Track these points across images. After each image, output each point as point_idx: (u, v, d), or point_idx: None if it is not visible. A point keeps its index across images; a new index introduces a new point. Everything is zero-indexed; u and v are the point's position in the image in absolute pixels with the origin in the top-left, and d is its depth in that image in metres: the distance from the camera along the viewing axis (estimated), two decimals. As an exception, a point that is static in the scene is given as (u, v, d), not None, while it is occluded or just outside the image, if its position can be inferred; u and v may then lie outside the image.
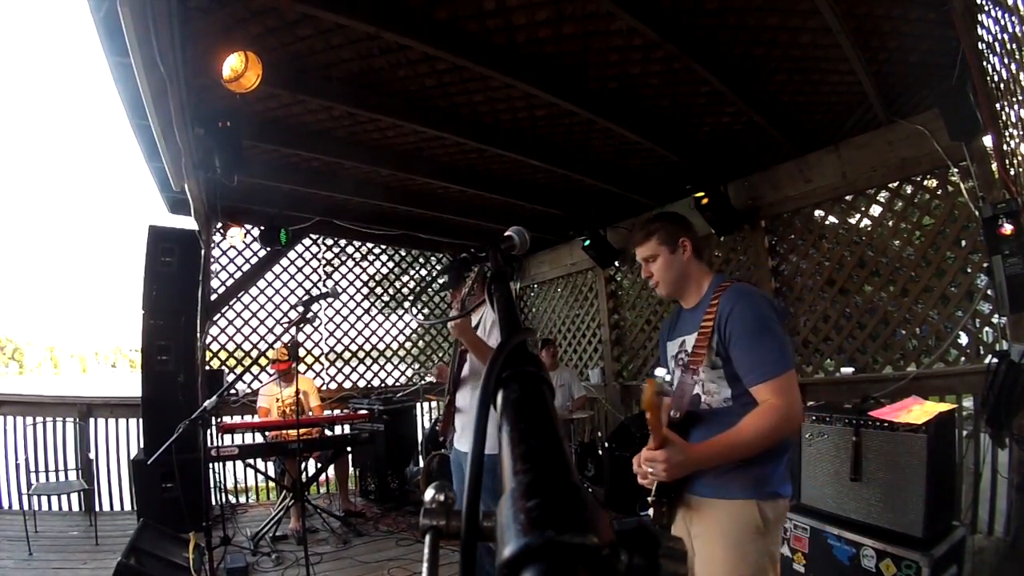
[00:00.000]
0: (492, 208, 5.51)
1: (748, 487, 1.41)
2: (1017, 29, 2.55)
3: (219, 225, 4.90)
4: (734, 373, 1.46)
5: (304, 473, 4.03)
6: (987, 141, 3.07)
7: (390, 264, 6.82)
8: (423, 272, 7.00)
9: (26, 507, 3.89)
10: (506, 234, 1.04)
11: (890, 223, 3.86)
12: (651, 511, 1.59)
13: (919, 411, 2.46)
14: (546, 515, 0.26)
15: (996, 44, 2.77)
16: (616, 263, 5.80)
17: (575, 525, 0.26)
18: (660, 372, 1.48)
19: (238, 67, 2.66)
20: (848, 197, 4.05)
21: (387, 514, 4.65)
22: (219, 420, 4.05)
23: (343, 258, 6.35)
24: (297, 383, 3.27)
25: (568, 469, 0.32)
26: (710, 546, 1.44)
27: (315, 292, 5.96)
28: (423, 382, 6.19)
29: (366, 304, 6.53)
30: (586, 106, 3.50)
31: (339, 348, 6.29)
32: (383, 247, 6.65)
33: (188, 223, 4.63)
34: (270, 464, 4.59)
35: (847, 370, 4.03)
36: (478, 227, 5.96)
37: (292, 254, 5.94)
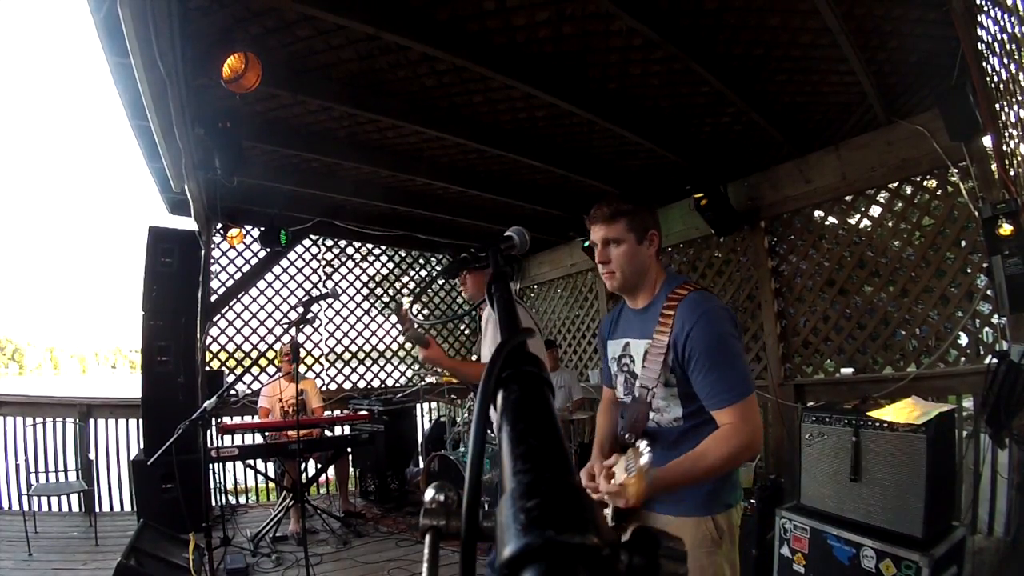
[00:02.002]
0: (492, 208, 5.51)
1: (701, 504, 1.38)
2: (1017, 29, 2.56)
3: (219, 226, 4.91)
4: (689, 392, 1.38)
5: (304, 474, 4.03)
6: (987, 141, 3.07)
7: (390, 265, 6.82)
8: (423, 272, 7.01)
9: (26, 508, 3.89)
10: (506, 234, 1.04)
11: (890, 223, 3.86)
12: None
13: (897, 411, 2.46)
14: (546, 515, 0.26)
15: (996, 44, 2.77)
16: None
17: (575, 525, 0.26)
18: (645, 454, 1.26)
19: (238, 67, 2.66)
20: (848, 197, 4.05)
21: (387, 515, 4.65)
22: (219, 421, 4.05)
23: (343, 259, 6.35)
24: (298, 383, 3.26)
25: (568, 469, 0.32)
26: None
27: (315, 293, 5.96)
28: (423, 383, 6.19)
29: (366, 305, 6.53)
30: (586, 106, 3.50)
31: (339, 349, 6.29)
32: (383, 248, 6.65)
33: (188, 224, 4.63)
34: (270, 465, 4.59)
35: (847, 370, 4.03)
36: (478, 227, 5.96)
37: (292, 255, 5.94)
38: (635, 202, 1.50)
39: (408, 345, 6.92)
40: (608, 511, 1.46)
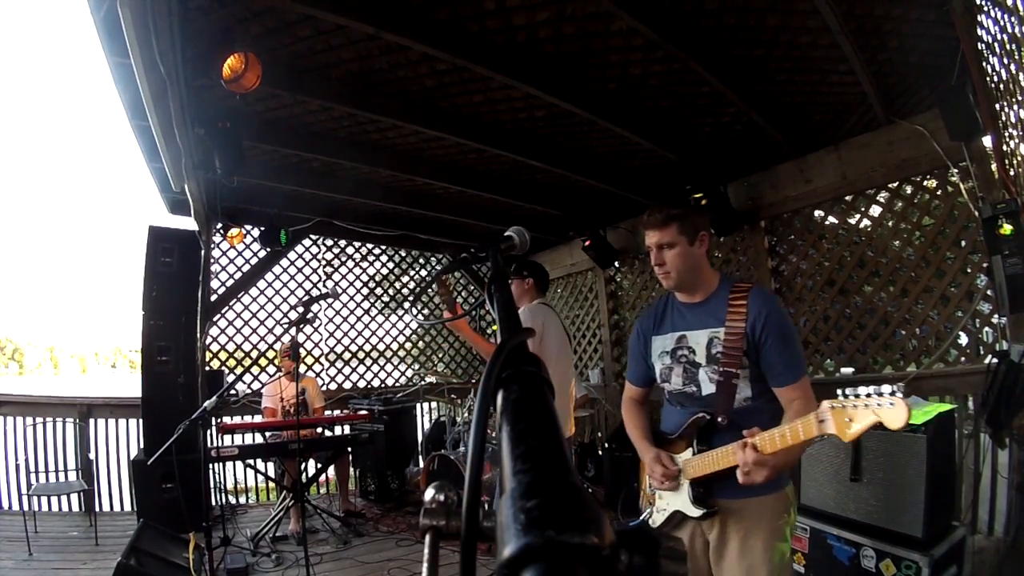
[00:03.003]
0: (492, 208, 5.51)
1: (778, 479, 1.48)
2: (1017, 29, 2.56)
3: (219, 225, 4.91)
4: (758, 373, 1.52)
5: (304, 473, 4.02)
6: (987, 141, 3.07)
7: (390, 265, 6.82)
8: (423, 272, 7.01)
9: (26, 507, 3.89)
10: (506, 234, 1.04)
11: (890, 223, 3.86)
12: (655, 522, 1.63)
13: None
14: (546, 515, 0.26)
15: (996, 44, 2.78)
16: (616, 263, 5.80)
17: (575, 525, 0.26)
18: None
19: (238, 67, 2.66)
20: (848, 197, 4.05)
21: (387, 514, 4.65)
22: (219, 420, 4.05)
23: (343, 259, 6.35)
24: (298, 382, 3.26)
25: (568, 469, 0.32)
26: (753, 537, 1.51)
27: (315, 292, 5.96)
28: (423, 382, 6.20)
29: (366, 304, 6.53)
30: (586, 106, 3.50)
31: (339, 348, 6.29)
32: (383, 248, 6.65)
33: (188, 223, 4.63)
34: (270, 464, 4.59)
35: (847, 370, 4.03)
36: (478, 227, 5.97)
37: (292, 254, 5.94)
38: (686, 207, 1.64)
39: (408, 345, 6.92)
40: (684, 502, 1.56)
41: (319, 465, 4.29)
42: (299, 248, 5.97)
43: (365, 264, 6.54)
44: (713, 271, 1.66)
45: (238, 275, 5.59)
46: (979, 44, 2.78)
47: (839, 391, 1.28)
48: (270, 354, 5.73)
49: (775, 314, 1.52)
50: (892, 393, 1.19)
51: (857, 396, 1.23)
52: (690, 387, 1.62)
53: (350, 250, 6.39)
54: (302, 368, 4.38)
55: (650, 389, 1.83)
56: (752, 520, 1.51)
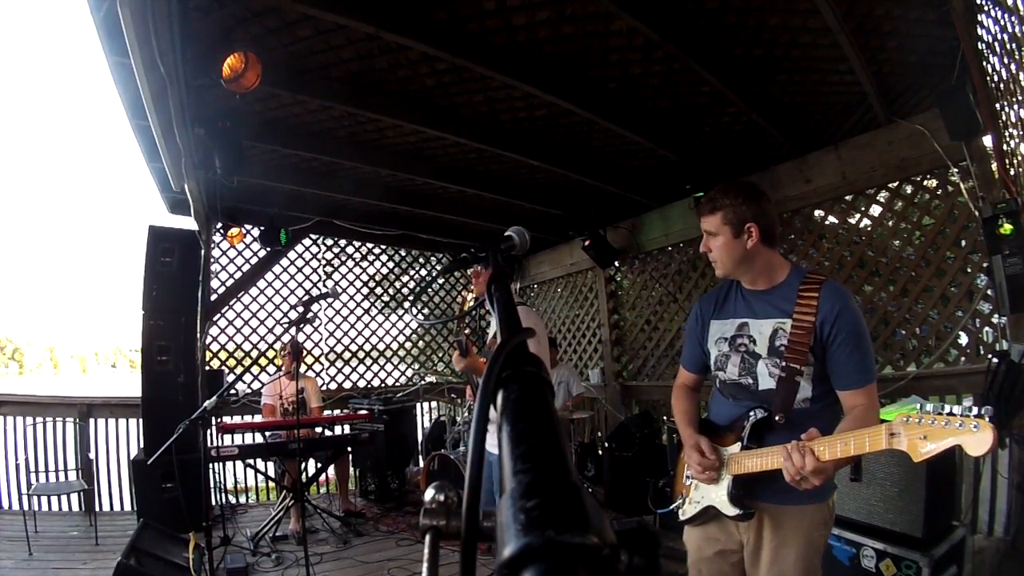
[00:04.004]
0: (492, 208, 5.51)
1: (823, 490, 1.40)
2: (1017, 29, 2.56)
3: (219, 225, 4.91)
4: (822, 373, 1.42)
5: (304, 473, 4.02)
6: (987, 141, 3.07)
7: (390, 264, 6.83)
8: (423, 272, 7.01)
9: (26, 507, 3.89)
10: (506, 234, 1.04)
11: (890, 223, 3.86)
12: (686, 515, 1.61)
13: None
14: (546, 515, 0.26)
15: (996, 44, 2.78)
16: (616, 263, 5.80)
17: (575, 525, 0.26)
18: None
19: (238, 67, 2.66)
20: (848, 197, 4.05)
21: (387, 514, 4.65)
22: (219, 420, 4.05)
23: (343, 258, 6.35)
24: (297, 381, 3.26)
25: (568, 469, 0.32)
26: (786, 548, 1.44)
27: (315, 292, 5.97)
28: (423, 382, 6.20)
29: (366, 304, 6.53)
30: (586, 106, 3.50)
31: (339, 348, 6.29)
32: (383, 247, 6.65)
33: (188, 223, 4.63)
34: (270, 464, 4.59)
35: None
36: (478, 227, 5.96)
37: (292, 254, 5.94)
38: (737, 194, 1.50)
39: (408, 344, 6.92)
40: (721, 498, 1.49)
41: (319, 465, 4.29)
42: (299, 248, 5.98)
43: (365, 264, 6.55)
44: (782, 260, 1.54)
45: (238, 275, 5.59)
46: (979, 44, 2.78)
47: (918, 406, 1.17)
48: (270, 354, 5.73)
49: (849, 311, 1.40)
50: (979, 415, 1.07)
51: (939, 413, 1.13)
52: (746, 379, 1.52)
53: (350, 250, 6.39)
54: (301, 368, 4.38)
55: (704, 376, 1.72)
56: (790, 528, 1.44)
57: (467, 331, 2.82)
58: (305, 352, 5.68)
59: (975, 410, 1.08)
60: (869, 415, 1.35)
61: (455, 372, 6.75)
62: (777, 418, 1.43)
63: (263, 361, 5.72)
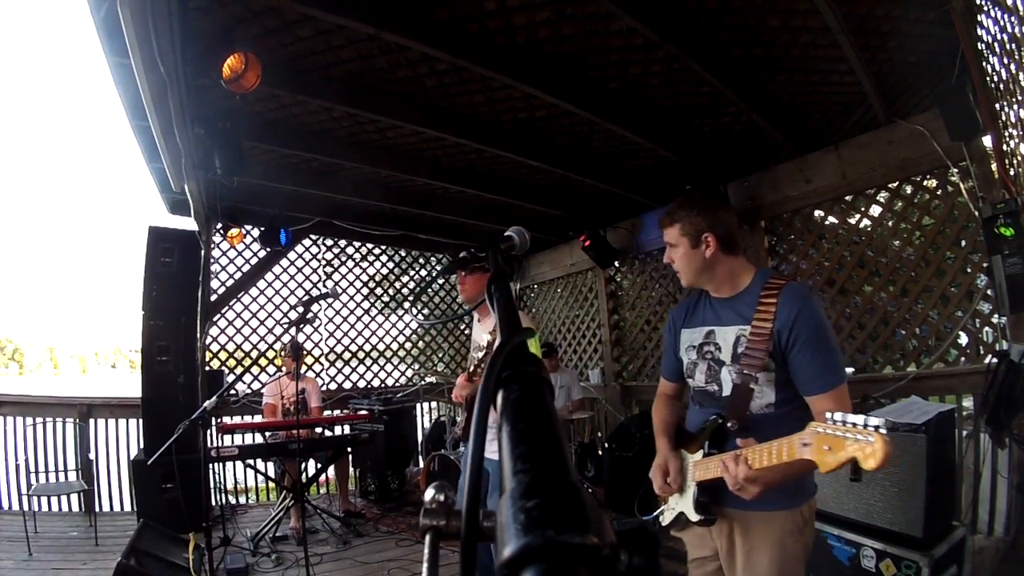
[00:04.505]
0: (492, 208, 5.51)
1: (790, 496, 1.41)
2: (1017, 29, 2.56)
3: (219, 225, 4.91)
4: (784, 378, 1.41)
5: (304, 473, 4.03)
6: (987, 141, 3.07)
7: (390, 264, 6.83)
8: (423, 272, 7.01)
9: (26, 508, 3.89)
10: (506, 234, 1.04)
11: (890, 223, 3.86)
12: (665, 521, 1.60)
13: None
14: (546, 515, 0.26)
15: (996, 44, 2.78)
16: (616, 263, 5.80)
17: (575, 525, 0.26)
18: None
19: (238, 67, 2.66)
20: (848, 197, 4.05)
21: (387, 514, 4.65)
22: (219, 420, 4.05)
23: (343, 258, 6.35)
24: (298, 381, 3.26)
25: (568, 469, 0.32)
26: (756, 554, 1.44)
27: (315, 292, 5.97)
28: (423, 382, 6.20)
29: (366, 304, 6.53)
30: (586, 106, 3.50)
31: (339, 348, 6.30)
32: (383, 247, 6.65)
33: (188, 223, 4.63)
34: (270, 464, 4.59)
35: (847, 370, 4.02)
36: (478, 227, 5.96)
37: (292, 254, 5.94)
38: (693, 206, 1.54)
39: (408, 344, 6.92)
40: (687, 505, 1.49)
41: (319, 465, 4.29)
42: (299, 248, 5.98)
43: (365, 264, 6.55)
44: (745, 264, 1.56)
45: (238, 275, 5.59)
46: (979, 44, 2.78)
47: (829, 414, 1.11)
48: (270, 354, 5.73)
49: (807, 314, 1.38)
50: (876, 428, 1.02)
51: (843, 423, 1.07)
52: (712, 386, 1.54)
53: (350, 250, 6.39)
54: (302, 368, 4.38)
55: (682, 384, 1.72)
56: (760, 535, 1.43)
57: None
58: (305, 352, 5.69)
59: (874, 422, 1.03)
60: None
61: (455, 372, 6.75)
62: (729, 424, 1.45)
63: (263, 361, 5.72)
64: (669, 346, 1.72)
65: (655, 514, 1.69)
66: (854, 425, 1.06)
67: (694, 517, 1.49)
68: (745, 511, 1.43)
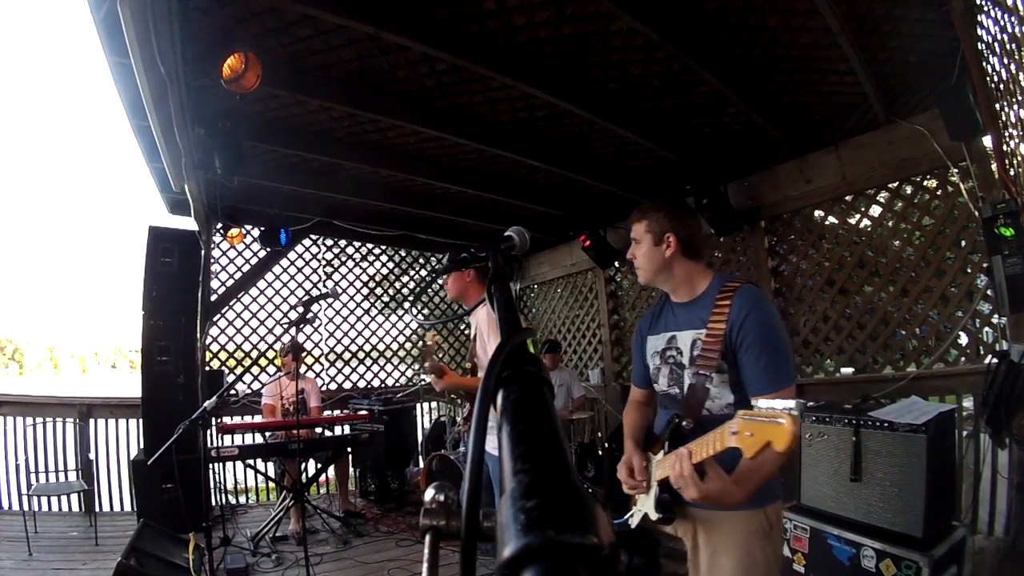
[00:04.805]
0: (492, 208, 5.51)
1: (754, 497, 1.39)
2: (1017, 29, 2.56)
3: (219, 225, 4.91)
4: (738, 379, 1.44)
5: (304, 474, 4.03)
6: (987, 141, 3.07)
7: (390, 265, 6.83)
8: (423, 272, 7.01)
9: (26, 508, 3.89)
10: (506, 234, 1.04)
11: (890, 223, 3.86)
12: (632, 523, 1.59)
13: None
14: (546, 515, 0.26)
15: (996, 44, 2.78)
16: (616, 263, 5.80)
17: (575, 525, 0.26)
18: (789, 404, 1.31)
19: (238, 67, 2.66)
20: (848, 197, 4.05)
21: (387, 515, 4.65)
22: (219, 421, 4.05)
23: (343, 258, 6.35)
24: (297, 381, 3.26)
25: (568, 469, 0.32)
26: (721, 557, 1.43)
27: (315, 292, 5.97)
28: (423, 382, 6.19)
29: (366, 304, 6.53)
30: (586, 106, 3.50)
31: (339, 348, 6.29)
32: (383, 248, 6.65)
33: (188, 223, 4.63)
34: (270, 465, 4.59)
35: (847, 370, 4.03)
36: (478, 227, 5.97)
37: (292, 254, 5.95)
38: (661, 208, 1.59)
39: (408, 345, 6.93)
40: (650, 504, 1.49)
41: (319, 465, 4.29)
42: (299, 248, 5.98)
43: (365, 264, 6.55)
44: (704, 270, 1.60)
45: (238, 275, 5.59)
46: (979, 44, 2.78)
47: (754, 401, 1.17)
48: (270, 354, 5.73)
49: (756, 314, 1.41)
50: (788, 410, 1.05)
51: (766, 409, 1.11)
52: (674, 388, 1.58)
53: (350, 250, 6.39)
54: (301, 368, 4.38)
55: (652, 391, 1.76)
56: (724, 535, 1.43)
57: (434, 348, 2.79)
58: (305, 352, 5.69)
59: (790, 404, 1.10)
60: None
61: (455, 372, 6.75)
62: (684, 424, 1.47)
63: (263, 361, 5.72)
64: (637, 354, 1.76)
65: (625, 517, 1.70)
66: (773, 409, 1.11)
67: (654, 516, 1.49)
68: (707, 510, 1.43)
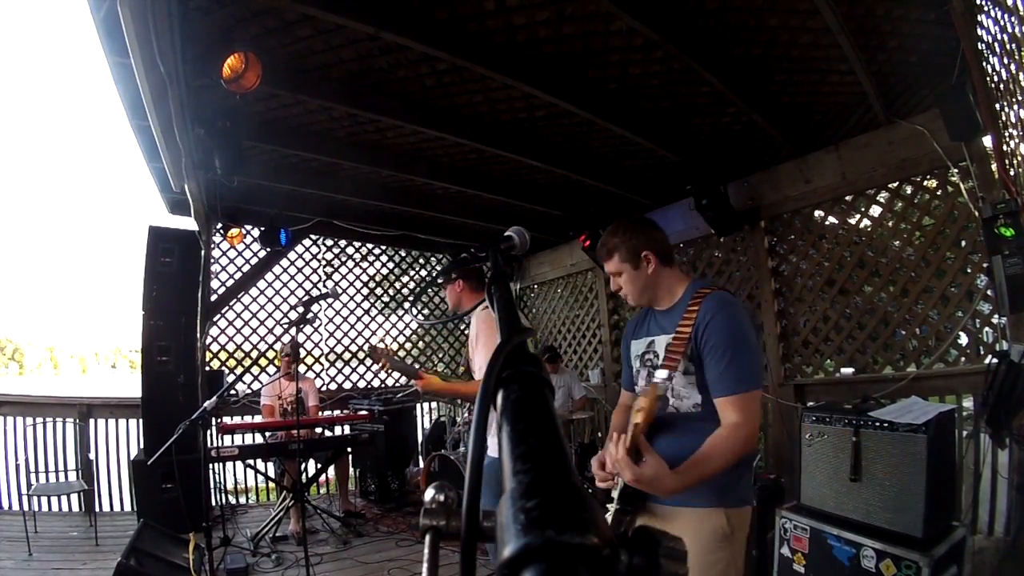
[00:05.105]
0: (492, 208, 5.51)
1: (714, 495, 1.41)
2: (1017, 29, 2.56)
3: (219, 225, 4.91)
4: (704, 381, 1.46)
5: (304, 474, 4.03)
6: (987, 141, 3.07)
7: (390, 265, 6.82)
8: (423, 272, 7.01)
9: (26, 508, 3.89)
10: (506, 234, 1.04)
11: (890, 223, 3.86)
12: (609, 519, 1.59)
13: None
14: (546, 515, 0.26)
15: (996, 44, 2.78)
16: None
17: (575, 525, 0.26)
18: (661, 375, 1.48)
19: (238, 67, 2.66)
20: (848, 197, 4.05)
21: (387, 515, 4.65)
22: (219, 421, 4.05)
23: (343, 259, 6.35)
24: (298, 382, 3.27)
25: (568, 469, 0.32)
26: None
27: (315, 292, 5.96)
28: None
29: (366, 304, 6.53)
30: (586, 106, 3.50)
31: (339, 348, 6.29)
32: (383, 248, 6.65)
33: (188, 223, 4.63)
34: (270, 465, 4.59)
35: (847, 370, 4.03)
36: (478, 227, 5.96)
37: (292, 254, 5.94)
38: (624, 231, 1.62)
39: (408, 345, 6.93)
40: (614, 496, 1.50)
41: (319, 465, 4.29)
42: (299, 248, 5.98)
43: (365, 264, 6.55)
44: (682, 278, 1.63)
45: (238, 275, 5.59)
46: (979, 44, 2.78)
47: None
48: (270, 354, 5.73)
49: (722, 318, 1.44)
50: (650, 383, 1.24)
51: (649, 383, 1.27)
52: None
53: (350, 250, 6.39)
54: (300, 368, 4.38)
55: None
56: (677, 532, 1.43)
57: (386, 351, 2.79)
58: (304, 353, 5.69)
59: (656, 378, 1.35)
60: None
61: (455, 373, 6.76)
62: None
63: (263, 361, 5.72)
64: (624, 358, 1.80)
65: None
66: (653, 383, 1.32)
67: (613, 506, 1.51)
68: (667, 506, 1.45)
